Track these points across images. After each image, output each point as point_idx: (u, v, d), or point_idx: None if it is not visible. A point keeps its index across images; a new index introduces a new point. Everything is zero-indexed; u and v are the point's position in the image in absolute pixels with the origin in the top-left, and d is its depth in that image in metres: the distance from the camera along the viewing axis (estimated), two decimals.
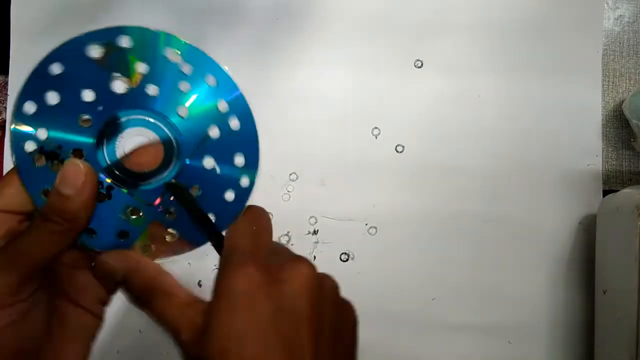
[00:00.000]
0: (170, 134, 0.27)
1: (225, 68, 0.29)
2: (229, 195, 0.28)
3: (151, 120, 0.27)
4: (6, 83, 0.48)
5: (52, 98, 0.26)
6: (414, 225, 0.47)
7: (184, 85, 0.28)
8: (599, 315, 0.43)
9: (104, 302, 0.27)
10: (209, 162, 0.28)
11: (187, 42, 0.28)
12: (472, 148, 0.48)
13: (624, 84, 0.49)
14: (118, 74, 0.26)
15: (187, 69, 0.28)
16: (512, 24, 0.49)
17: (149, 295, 0.25)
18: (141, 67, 0.27)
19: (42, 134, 0.26)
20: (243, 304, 0.23)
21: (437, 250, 0.47)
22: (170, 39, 0.28)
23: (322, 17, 0.49)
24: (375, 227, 0.47)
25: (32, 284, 0.25)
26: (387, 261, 0.47)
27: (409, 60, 0.48)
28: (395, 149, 0.48)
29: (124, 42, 0.26)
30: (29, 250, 0.24)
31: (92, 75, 0.26)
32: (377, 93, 0.48)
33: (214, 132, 0.28)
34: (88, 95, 0.26)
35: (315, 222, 0.47)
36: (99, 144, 0.26)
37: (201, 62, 0.29)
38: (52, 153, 0.26)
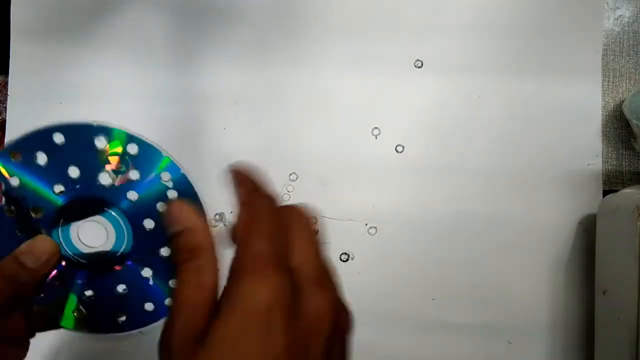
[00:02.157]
0: (125, 238, 0.28)
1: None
2: (149, 306, 0.28)
3: (114, 216, 0.28)
4: (6, 83, 0.48)
5: (41, 159, 0.27)
6: (414, 225, 0.47)
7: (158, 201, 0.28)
8: (599, 316, 0.43)
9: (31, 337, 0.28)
10: (146, 273, 0.28)
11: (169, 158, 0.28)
12: (472, 148, 0.48)
13: (624, 84, 0.49)
14: (109, 171, 0.27)
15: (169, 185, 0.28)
16: (512, 24, 0.49)
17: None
18: (133, 174, 0.27)
19: (15, 181, 0.27)
20: (257, 325, 0.21)
21: (437, 251, 0.47)
22: (165, 163, 0.28)
23: (322, 17, 0.49)
24: (375, 227, 0.47)
25: None
26: (387, 261, 0.47)
27: (409, 60, 0.48)
28: (395, 149, 0.48)
29: (132, 149, 0.27)
30: None
31: (87, 159, 0.27)
32: (377, 93, 0.48)
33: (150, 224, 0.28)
34: (74, 172, 0.27)
35: (315, 222, 0.47)
36: (59, 216, 0.27)
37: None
38: (14, 200, 0.27)
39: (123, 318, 0.28)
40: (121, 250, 0.28)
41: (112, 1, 0.49)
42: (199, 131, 0.48)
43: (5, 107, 0.48)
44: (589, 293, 0.46)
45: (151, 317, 0.28)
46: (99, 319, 0.28)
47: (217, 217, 0.47)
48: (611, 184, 0.48)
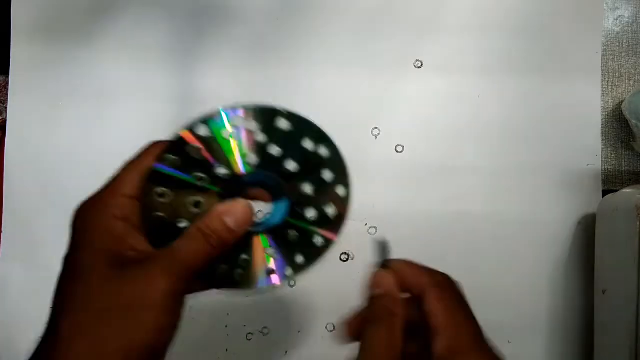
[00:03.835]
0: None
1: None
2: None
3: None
4: (7, 83, 0.48)
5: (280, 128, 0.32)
6: (414, 225, 0.47)
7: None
8: (599, 315, 0.43)
9: None
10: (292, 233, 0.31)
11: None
12: (472, 148, 0.48)
13: (624, 84, 0.49)
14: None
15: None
16: (511, 24, 0.49)
17: None
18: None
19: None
20: None
21: (436, 250, 0.47)
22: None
23: (321, 17, 0.49)
24: (375, 227, 0.47)
25: (185, 289, 0.26)
26: None
27: (409, 60, 0.48)
28: (395, 149, 0.48)
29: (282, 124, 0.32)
30: (186, 257, 0.26)
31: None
32: (377, 93, 0.48)
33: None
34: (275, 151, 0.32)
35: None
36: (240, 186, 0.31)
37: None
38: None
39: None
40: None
41: (112, 2, 0.49)
42: None
43: (6, 107, 0.48)
44: (589, 292, 0.46)
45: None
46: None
47: None
48: (610, 184, 0.48)
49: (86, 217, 0.28)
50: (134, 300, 0.25)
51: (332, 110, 0.48)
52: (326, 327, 0.46)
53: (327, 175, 0.32)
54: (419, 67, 0.48)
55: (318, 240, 0.32)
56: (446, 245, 0.47)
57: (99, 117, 0.48)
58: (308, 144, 0.32)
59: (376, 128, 0.48)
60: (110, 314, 0.25)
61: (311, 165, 0.32)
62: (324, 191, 0.32)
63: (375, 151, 0.48)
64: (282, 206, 0.31)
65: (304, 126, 0.33)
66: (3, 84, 0.49)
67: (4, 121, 0.48)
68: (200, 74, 0.48)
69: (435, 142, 0.48)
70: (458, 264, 0.47)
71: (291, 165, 0.31)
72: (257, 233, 0.31)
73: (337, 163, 0.33)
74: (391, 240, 0.47)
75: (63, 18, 0.49)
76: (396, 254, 0.47)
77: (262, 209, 0.32)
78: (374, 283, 0.30)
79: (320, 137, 0.32)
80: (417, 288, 0.30)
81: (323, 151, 0.32)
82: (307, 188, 0.31)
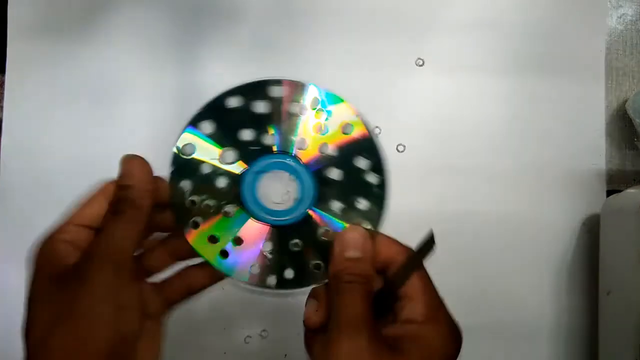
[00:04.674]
0: (304, 180, 0.32)
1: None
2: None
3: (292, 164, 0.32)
4: (3, 82, 0.48)
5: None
6: (414, 225, 0.47)
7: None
8: (603, 317, 0.43)
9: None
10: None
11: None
12: (474, 147, 0.47)
13: (627, 83, 0.49)
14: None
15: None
16: (514, 22, 0.48)
17: None
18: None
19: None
20: None
21: (438, 251, 0.47)
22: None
23: (322, 16, 0.48)
24: None
25: (126, 276, 0.26)
26: None
27: (410, 58, 0.48)
28: (397, 149, 0.47)
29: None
30: (116, 242, 0.27)
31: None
32: (378, 92, 0.48)
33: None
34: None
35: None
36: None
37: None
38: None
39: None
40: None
41: (110, 1, 0.49)
42: None
43: (2, 106, 0.48)
44: (593, 294, 0.45)
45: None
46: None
47: None
48: (615, 183, 0.48)
49: (38, 245, 0.29)
50: (81, 304, 0.25)
51: None
52: None
53: (363, 203, 0.32)
54: (420, 66, 0.48)
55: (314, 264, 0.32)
56: (448, 245, 0.47)
57: (97, 117, 0.48)
58: (362, 163, 0.32)
59: (377, 127, 0.48)
60: (63, 323, 0.25)
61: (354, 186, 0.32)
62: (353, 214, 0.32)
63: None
64: (306, 202, 0.32)
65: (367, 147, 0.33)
66: (0, 83, 0.48)
67: (0, 120, 0.48)
68: (200, 74, 0.48)
69: (436, 142, 0.47)
70: (460, 264, 0.47)
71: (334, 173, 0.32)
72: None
73: (378, 197, 0.33)
74: None
75: (60, 16, 0.48)
76: None
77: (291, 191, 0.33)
78: (355, 245, 0.29)
79: (378, 166, 0.33)
80: (388, 257, 0.30)
81: (372, 178, 0.33)
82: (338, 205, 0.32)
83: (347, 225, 0.31)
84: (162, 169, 0.47)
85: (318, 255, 0.31)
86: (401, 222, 0.47)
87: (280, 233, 0.31)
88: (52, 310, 0.26)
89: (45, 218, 0.47)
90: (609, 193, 0.47)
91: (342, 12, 0.48)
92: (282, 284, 0.31)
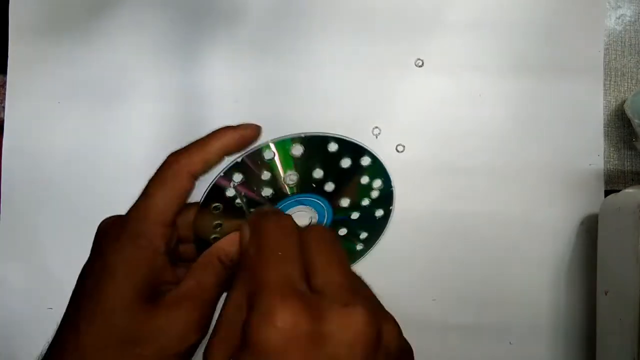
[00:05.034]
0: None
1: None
2: None
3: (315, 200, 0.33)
4: (5, 83, 0.48)
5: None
6: (414, 225, 0.47)
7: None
8: (601, 316, 0.43)
9: None
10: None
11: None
12: (473, 147, 0.48)
13: (626, 84, 0.49)
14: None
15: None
16: (513, 22, 0.48)
17: None
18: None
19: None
20: None
21: (437, 251, 0.47)
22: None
23: (322, 16, 0.48)
24: None
25: (207, 322, 0.26)
26: (387, 261, 0.47)
27: (410, 59, 0.48)
28: (396, 149, 0.48)
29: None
30: (205, 291, 0.26)
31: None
32: (377, 92, 0.48)
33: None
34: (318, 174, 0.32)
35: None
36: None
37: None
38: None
39: None
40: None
41: (112, 1, 0.49)
42: (198, 130, 0.47)
43: (4, 107, 0.48)
44: (591, 293, 0.46)
45: None
46: None
47: None
48: (613, 183, 0.48)
49: (114, 243, 0.27)
50: (157, 332, 0.25)
51: (332, 109, 0.48)
52: None
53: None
54: (420, 66, 0.48)
55: None
56: (447, 245, 0.47)
57: (98, 117, 0.48)
58: (364, 180, 0.34)
59: (376, 127, 0.48)
60: (132, 345, 0.24)
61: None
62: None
63: (376, 150, 0.47)
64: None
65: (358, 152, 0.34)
66: (1, 84, 0.48)
67: (2, 121, 0.48)
68: (200, 74, 0.48)
69: (436, 142, 0.48)
70: (458, 264, 0.47)
71: (344, 202, 0.33)
72: None
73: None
74: (391, 241, 0.47)
75: (62, 17, 0.49)
76: (397, 254, 0.47)
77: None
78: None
79: (378, 172, 0.35)
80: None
81: (374, 193, 0.35)
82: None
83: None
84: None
85: None
86: (401, 222, 0.47)
87: None
88: (130, 328, 0.25)
89: (46, 218, 0.47)
90: (607, 193, 0.47)
91: (341, 12, 0.48)
92: None
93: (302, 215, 0.33)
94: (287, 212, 0.31)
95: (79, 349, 0.24)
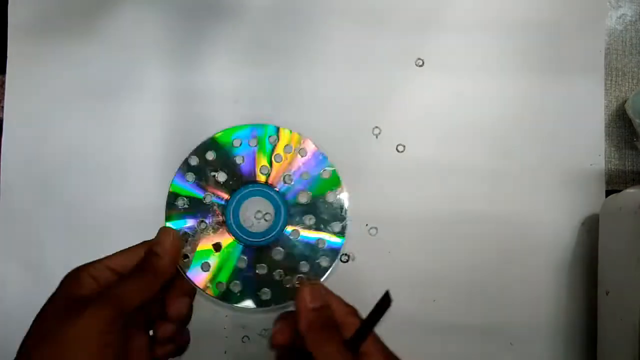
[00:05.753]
0: (280, 203, 0.38)
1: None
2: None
3: (269, 192, 0.39)
4: (3, 82, 0.48)
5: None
6: (415, 226, 0.47)
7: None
8: (602, 317, 0.43)
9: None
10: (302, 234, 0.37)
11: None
12: (474, 148, 0.48)
13: (627, 83, 0.49)
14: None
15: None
16: (513, 23, 0.48)
17: None
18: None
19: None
20: None
21: (437, 251, 0.47)
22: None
23: (322, 16, 0.48)
24: (376, 227, 0.47)
25: (121, 322, 0.29)
26: (387, 261, 0.47)
27: (410, 59, 0.48)
28: (396, 149, 0.48)
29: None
30: (125, 293, 0.30)
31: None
32: (377, 92, 0.48)
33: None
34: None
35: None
36: (229, 203, 0.39)
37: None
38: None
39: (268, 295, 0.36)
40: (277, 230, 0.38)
41: (110, 1, 0.49)
42: (199, 130, 0.47)
43: (2, 107, 0.48)
44: (592, 294, 0.45)
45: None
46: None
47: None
48: (614, 183, 0.48)
49: (69, 271, 0.32)
50: (69, 331, 0.28)
51: (332, 109, 0.48)
52: None
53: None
54: (420, 66, 0.48)
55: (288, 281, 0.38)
56: (447, 245, 0.47)
57: (98, 117, 0.48)
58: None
59: (377, 127, 0.48)
60: (49, 344, 0.28)
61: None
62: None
63: (376, 151, 0.47)
64: (277, 224, 0.36)
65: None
66: (0, 83, 0.48)
67: (1, 120, 0.48)
68: (200, 74, 0.48)
69: (436, 142, 0.48)
70: (459, 264, 0.47)
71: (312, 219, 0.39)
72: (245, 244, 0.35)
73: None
74: (392, 241, 0.47)
75: (61, 16, 0.48)
76: (396, 254, 0.47)
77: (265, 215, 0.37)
78: (315, 296, 0.32)
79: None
80: (339, 316, 0.32)
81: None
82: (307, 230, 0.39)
83: (300, 282, 0.36)
84: (161, 168, 0.47)
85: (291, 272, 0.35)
86: (401, 223, 0.47)
87: (257, 251, 0.38)
88: (48, 326, 0.28)
89: (45, 218, 0.47)
90: (608, 193, 0.47)
91: (341, 12, 0.48)
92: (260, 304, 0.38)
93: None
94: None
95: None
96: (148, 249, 0.33)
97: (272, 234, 0.41)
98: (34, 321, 0.30)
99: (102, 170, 0.48)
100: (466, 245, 0.47)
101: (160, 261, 0.32)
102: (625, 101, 0.47)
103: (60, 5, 0.48)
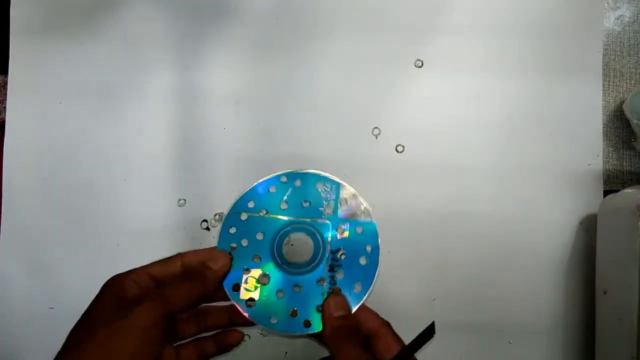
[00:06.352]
0: (320, 240, 0.38)
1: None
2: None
3: (310, 228, 0.38)
4: (6, 83, 0.48)
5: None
6: (414, 225, 0.47)
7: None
8: (600, 316, 0.43)
9: None
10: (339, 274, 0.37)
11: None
12: (472, 148, 0.48)
13: (625, 84, 0.49)
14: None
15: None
16: (512, 23, 0.49)
17: None
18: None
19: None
20: None
21: (437, 250, 0.47)
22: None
23: (322, 17, 0.49)
24: None
25: (165, 322, 0.31)
26: (387, 261, 0.47)
27: (410, 60, 0.48)
28: (396, 149, 0.48)
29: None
30: (174, 296, 0.32)
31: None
32: (377, 93, 0.48)
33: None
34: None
35: None
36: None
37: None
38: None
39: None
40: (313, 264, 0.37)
41: (112, 1, 0.49)
42: (199, 131, 0.48)
43: (5, 107, 0.48)
44: (590, 293, 0.46)
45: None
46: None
47: (217, 217, 0.47)
48: (612, 184, 0.48)
49: (112, 277, 0.34)
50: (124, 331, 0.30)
51: (332, 110, 0.48)
52: None
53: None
54: (419, 67, 0.48)
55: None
56: (447, 245, 0.47)
57: (99, 117, 0.48)
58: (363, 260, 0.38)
59: (376, 128, 0.48)
60: (94, 341, 0.30)
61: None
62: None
63: (376, 151, 0.48)
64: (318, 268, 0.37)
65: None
66: (2, 84, 0.48)
67: (3, 121, 0.48)
68: (201, 73, 0.48)
69: (435, 142, 0.48)
70: (458, 264, 0.47)
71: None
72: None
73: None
74: (392, 241, 0.47)
75: (62, 17, 0.49)
76: (396, 253, 0.47)
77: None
78: (340, 305, 0.35)
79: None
80: (370, 327, 0.34)
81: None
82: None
83: (328, 293, 0.36)
84: (161, 168, 0.47)
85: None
86: (401, 223, 0.48)
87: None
88: (97, 321, 0.30)
89: (47, 218, 0.47)
90: (606, 193, 0.47)
91: (341, 13, 0.49)
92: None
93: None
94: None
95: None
96: (202, 261, 0.35)
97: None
98: (82, 318, 0.32)
99: (103, 170, 0.48)
100: (465, 244, 0.47)
101: (212, 274, 0.35)
102: (623, 102, 0.47)
103: (62, 6, 0.48)
